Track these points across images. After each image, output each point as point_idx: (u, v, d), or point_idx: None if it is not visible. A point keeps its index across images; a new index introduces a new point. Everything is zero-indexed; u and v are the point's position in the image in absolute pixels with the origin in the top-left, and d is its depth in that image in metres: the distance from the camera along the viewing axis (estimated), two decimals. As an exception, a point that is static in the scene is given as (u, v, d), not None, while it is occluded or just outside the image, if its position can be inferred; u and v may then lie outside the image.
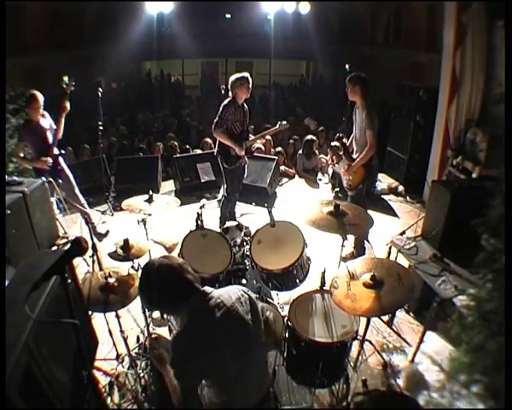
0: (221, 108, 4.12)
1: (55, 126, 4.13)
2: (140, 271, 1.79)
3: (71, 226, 4.59)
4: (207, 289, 1.77)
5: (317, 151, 7.09)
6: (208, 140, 7.21)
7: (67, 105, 4.15)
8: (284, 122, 4.39)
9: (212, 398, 1.78)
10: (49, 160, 4.03)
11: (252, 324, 1.78)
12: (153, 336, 2.27)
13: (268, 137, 7.23)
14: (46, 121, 4.15)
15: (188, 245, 2.98)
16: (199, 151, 7.12)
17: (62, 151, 4.29)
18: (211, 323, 1.67)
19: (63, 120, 4.15)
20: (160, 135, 8.83)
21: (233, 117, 4.11)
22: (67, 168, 4.37)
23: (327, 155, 7.18)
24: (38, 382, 1.52)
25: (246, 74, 4.14)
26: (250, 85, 4.18)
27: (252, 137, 4.37)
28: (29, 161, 4.14)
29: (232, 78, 4.17)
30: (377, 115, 3.91)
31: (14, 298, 1.61)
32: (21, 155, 4.05)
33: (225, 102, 4.15)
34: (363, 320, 2.63)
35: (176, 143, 7.34)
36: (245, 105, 4.26)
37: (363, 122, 3.93)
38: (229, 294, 1.78)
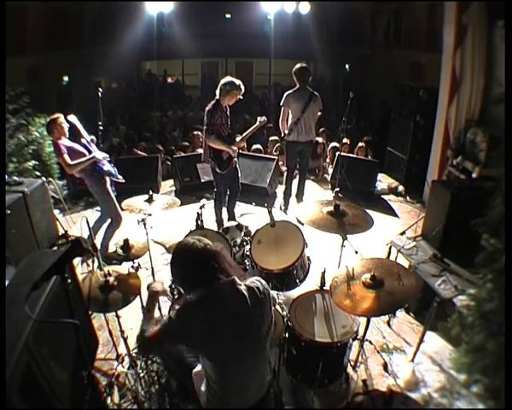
0: (207, 115, 4.06)
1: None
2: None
3: (71, 226, 4.60)
4: (236, 280, 1.78)
5: (321, 152, 7.09)
6: (198, 133, 7.24)
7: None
8: (263, 118, 4.41)
9: (211, 395, 1.79)
10: (103, 154, 3.95)
11: (265, 324, 1.79)
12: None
13: (274, 137, 7.26)
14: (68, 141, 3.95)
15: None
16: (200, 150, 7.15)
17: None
18: (221, 310, 1.69)
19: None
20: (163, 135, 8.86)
21: (220, 121, 4.07)
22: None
23: (326, 155, 7.21)
24: (38, 382, 1.52)
25: (239, 83, 4.08)
26: (240, 94, 4.12)
27: (239, 137, 4.37)
28: (86, 159, 3.81)
29: (224, 80, 4.08)
30: (287, 98, 4.89)
31: (14, 298, 1.61)
32: (70, 162, 3.72)
33: (210, 106, 4.08)
34: (363, 320, 2.63)
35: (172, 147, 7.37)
36: (227, 107, 4.20)
37: None
38: (260, 290, 1.80)
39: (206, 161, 4.28)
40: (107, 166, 3.99)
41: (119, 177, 4.12)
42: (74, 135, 3.99)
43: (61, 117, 3.85)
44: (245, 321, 1.71)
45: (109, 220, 4.14)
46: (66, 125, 3.85)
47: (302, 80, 4.85)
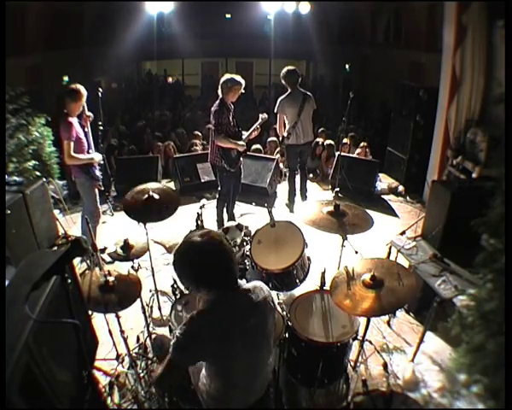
0: (214, 115, 4.08)
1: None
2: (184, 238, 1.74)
3: (71, 226, 4.60)
4: (241, 282, 1.76)
5: (321, 153, 7.10)
6: (196, 141, 7.27)
7: (91, 114, 4.11)
8: (265, 115, 4.41)
9: (211, 391, 1.78)
10: (100, 157, 3.98)
11: (271, 323, 1.79)
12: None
13: (272, 138, 7.26)
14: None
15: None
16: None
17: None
18: (234, 316, 1.66)
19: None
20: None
21: (227, 119, 4.11)
22: None
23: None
24: (38, 382, 1.52)
25: (239, 78, 4.12)
26: (242, 89, 4.16)
27: (245, 134, 4.38)
28: (87, 157, 3.86)
29: (224, 78, 4.12)
30: (281, 103, 4.93)
31: (14, 298, 1.61)
32: (72, 151, 3.72)
33: (215, 107, 4.11)
34: (363, 320, 2.63)
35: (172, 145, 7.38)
36: (231, 104, 4.24)
37: None
38: (261, 292, 1.77)
39: (214, 160, 4.30)
40: (98, 172, 4.02)
41: (101, 185, 4.16)
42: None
43: (85, 94, 3.83)
44: (253, 322, 1.70)
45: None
46: (84, 104, 3.87)
47: (292, 83, 4.89)
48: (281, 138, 5.13)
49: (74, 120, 3.80)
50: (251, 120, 4.62)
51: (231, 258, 1.70)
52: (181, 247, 1.71)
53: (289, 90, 4.91)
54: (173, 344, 1.61)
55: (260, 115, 4.41)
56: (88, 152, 3.95)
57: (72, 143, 3.70)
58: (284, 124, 5.03)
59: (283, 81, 4.94)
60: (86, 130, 4.01)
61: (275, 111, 5.01)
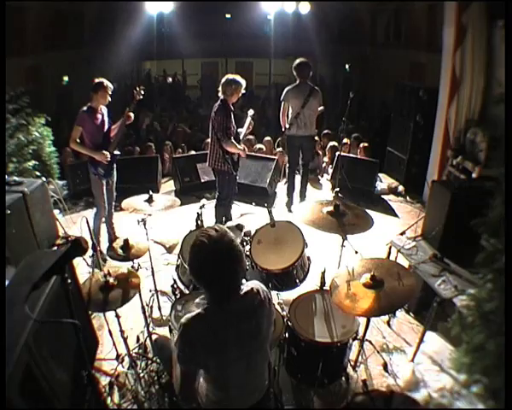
0: (222, 119, 3.95)
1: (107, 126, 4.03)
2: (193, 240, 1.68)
3: (71, 226, 4.60)
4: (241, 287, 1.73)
5: (320, 151, 7.10)
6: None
7: (132, 114, 4.10)
8: (251, 111, 4.36)
9: (210, 395, 1.78)
10: (109, 154, 3.94)
11: (266, 327, 1.77)
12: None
13: (268, 138, 7.25)
14: (105, 114, 4.02)
15: (187, 245, 2.97)
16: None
17: (118, 152, 4.15)
18: (229, 322, 1.63)
19: (123, 127, 4.10)
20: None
21: (232, 123, 4.06)
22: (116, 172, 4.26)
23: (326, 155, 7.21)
24: (38, 382, 1.52)
25: (239, 77, 4.03)
26: (243, 89, 4.10)
27: (242, 131, 4.33)
28: (89, 150, 3.86)
29: (227, 79, 3.99)
30: (287, 93, 5.00)
31: (14, 298, 1.61)
32: (78, 140, 3.83)
33: (221, 111, 3.97)
34: (363, 320, 2.63)
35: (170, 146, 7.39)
36: (231, 106, 4.16)
37: None
38: (257, 296, 1.73)
39: (216, 165, 4.17)
40: (100, 169, 3.96)
41: (107, 182, 4.14)
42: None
43: (108, 87, 3.98)
44: (247, 327, 1.68)
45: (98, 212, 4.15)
46: (109, 96, 3.98)
47: (302, 75, 4.93)
48: (283, 128, 5.17)
49: (92, 111, 3.87)
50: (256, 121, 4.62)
51: (241, 263, 1.64)
52: (197, 240, 1.66)
53: (297, 82, 4.96)
54: (177, 357, 1.60)
55: (248, 113, 4.37)
56: (105, 149, 3.94)
57: (79, 128, 3.80)
58: (288, 115, 5.06)
59: (294, 72, 4.99)
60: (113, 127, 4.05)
61: (281, 99, 5.07)
